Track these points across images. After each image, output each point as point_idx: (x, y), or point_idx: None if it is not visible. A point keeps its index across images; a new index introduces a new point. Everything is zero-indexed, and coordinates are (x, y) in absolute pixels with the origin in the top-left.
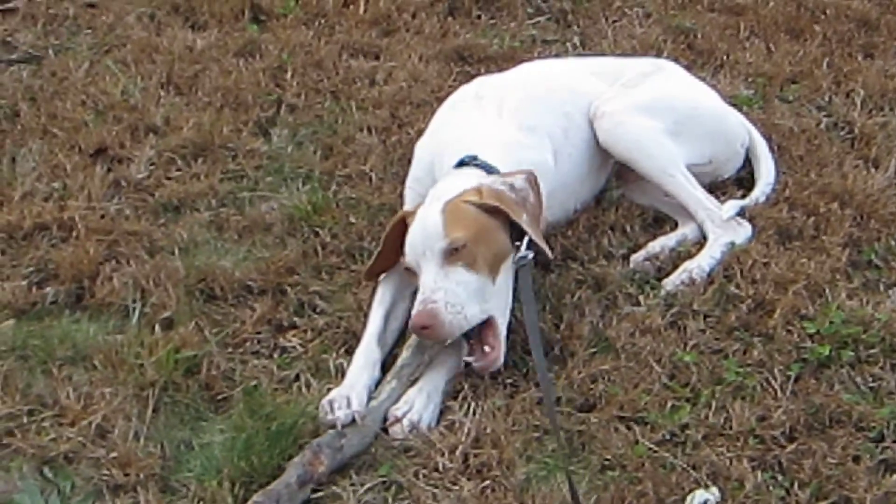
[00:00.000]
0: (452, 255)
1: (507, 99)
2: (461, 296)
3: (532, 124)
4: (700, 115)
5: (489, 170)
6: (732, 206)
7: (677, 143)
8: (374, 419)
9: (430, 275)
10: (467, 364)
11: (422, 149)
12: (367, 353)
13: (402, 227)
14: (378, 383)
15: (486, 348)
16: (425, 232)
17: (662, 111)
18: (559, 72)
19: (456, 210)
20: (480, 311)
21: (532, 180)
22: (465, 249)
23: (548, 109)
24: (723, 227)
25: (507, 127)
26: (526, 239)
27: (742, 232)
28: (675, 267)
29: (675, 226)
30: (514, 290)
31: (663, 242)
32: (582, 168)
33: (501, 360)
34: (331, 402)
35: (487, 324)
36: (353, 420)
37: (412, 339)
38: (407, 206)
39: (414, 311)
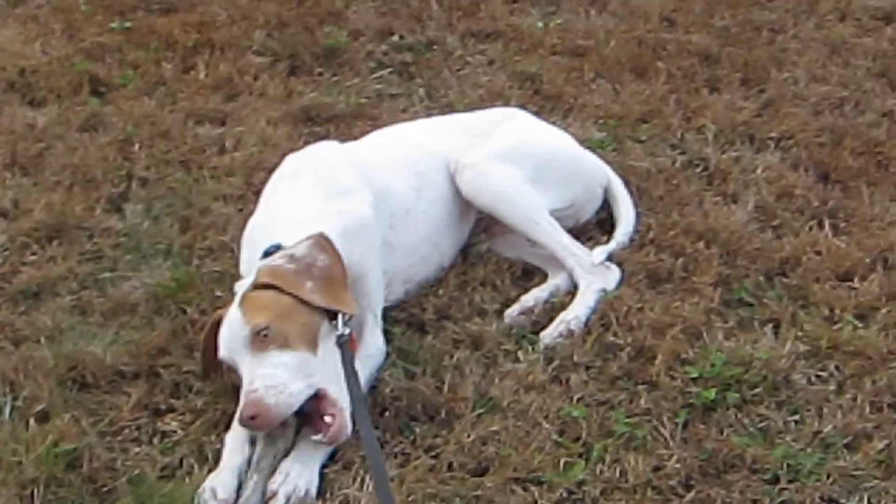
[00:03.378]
0: (260, 340)
1: (321, 170)
2: (280, 376)
3: (345, 187)
4: (558, 158)
5: None
6: (601, 251)
7: (539, 190)
8: None
9: (246, 366)
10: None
11: (249, 227)
12: (236, 434)
13: (219, 327)
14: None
15: (327, 419)
16: (230, 329)
17: (521, 158)
18: (409, 133)
19: (250, 299)
20: (306, 385)
21: (320, 242)
22: (271, 331)
23: (396, 170)
24: (592, 272)
25: (315, 201)
26: (340, 313)
27: (612, 277)
28: (551, 319)
29: (544, 277)
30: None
31: (536, 295)
32: (441, 223)
33: (349, 426)
34: (201, 494)
35: (320, 397)
36: None
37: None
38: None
39: (239, 407)
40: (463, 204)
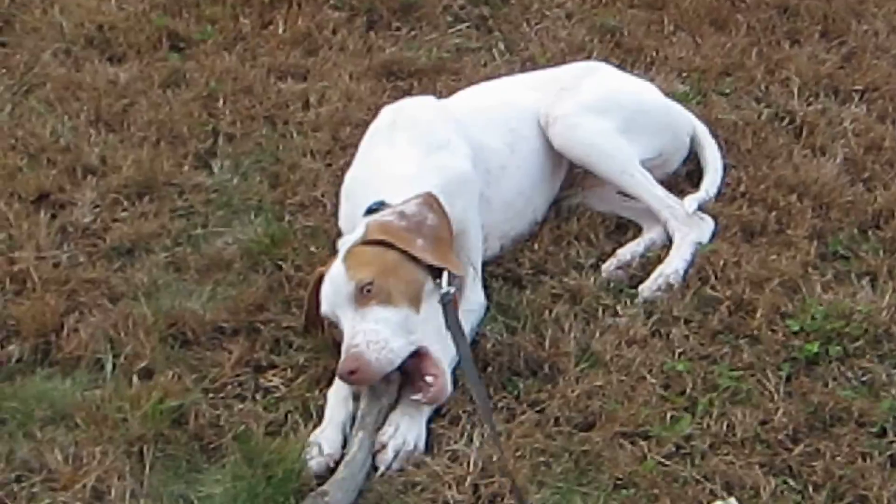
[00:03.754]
0: (363, 296)
1: (418, 125)
2: (382, 332)
3: (442, 141)
4: (646, 108)
5: None
6: (694, 199)
7: (629, 141)
8: (351, 473)
9: (348, 321)
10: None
11: (347, 182)
12: (338, 390)
13: (322, 283)
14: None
15: (429, 379)
16: (333, 284)
17: (610, 110)
18: (497, 90)
19: (355, 254)
20: (408, 342)
21: (429, 201)
22: (374, 286)
23: (490, 126)
24: (687, 223)
25: (415, 156)
26: (445, 271)
27: (706, 228)
28: (648, 273)
29: (638, 231)
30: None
31: (633, 249)
32: (534, 178)
33: (449, 387)
34: (307, 448)
35: (422, 356)
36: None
37: (366, 388)
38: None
39: (340, 361)
40: (555, 158)
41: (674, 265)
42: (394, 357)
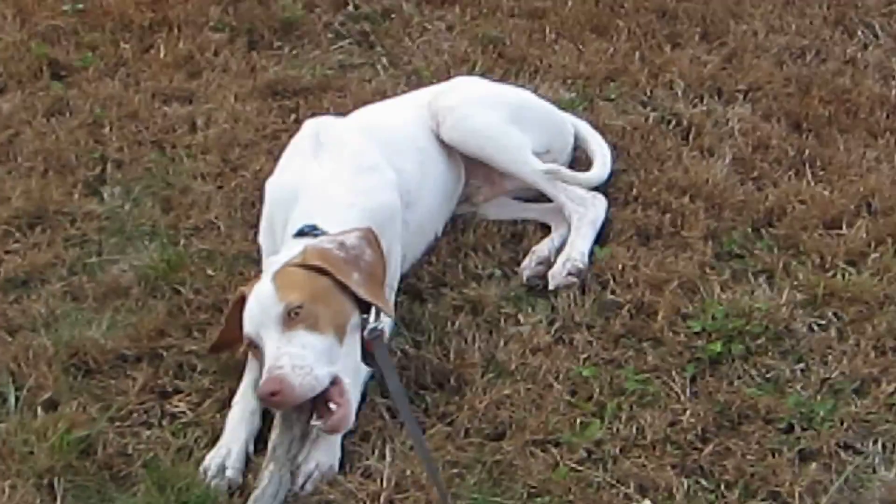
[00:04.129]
0: (291, 318)
1: (347, 146)
2: (308, 358)
3: (372, 164)
4: (529, 105)
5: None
6: (591, 174)
7: (521, 131)
8: None
9: (273, 342)
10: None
11: (273, 188)
12: (244, 404)
13: (243, 303)
14: (258, 434)
15: (332, 406)
16: (260, 302)
17: (498, 103)
18: (390, 109)
19: (286, 275)
20: (329, 372)
21: (369, 237)
22: (303, 311)
23: (403, 149)
24: (583, 204)
25: (345, 180)
26: (374, 308)
27: (600, 206)
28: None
29: (533, 239)
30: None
31: (548, 245)
32: (441, 196)
33: (351, 417)
34: (205, 470)
35: (333, 384)
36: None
37: (277, 418)
38: (263, 252)
39: (261, 381)
40: (454, 172)
41: (578, 248)
42: (316, 384)
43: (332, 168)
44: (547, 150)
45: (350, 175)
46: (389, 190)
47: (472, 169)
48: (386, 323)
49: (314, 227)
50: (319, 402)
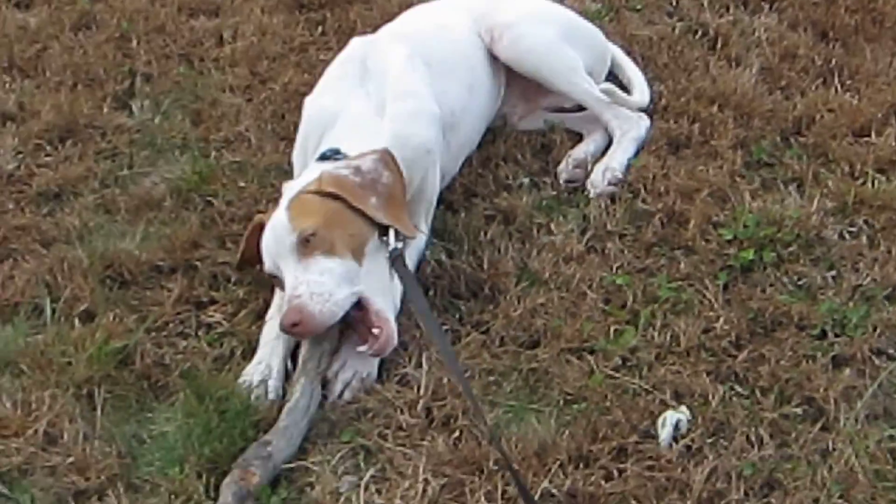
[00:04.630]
0: (306, 246)
1: (391, 71)
2: (326, 284)
3: (412, 90)
4: (577, 24)
5: None
6: (636, 98)
7: (573, 51)
8: (294, 420)
9: (290, 272)
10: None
11: (311, 108)
12: (273, 328)
13: (261, 230)
14: (296, 348)
15: (375, 331)
16: (274, 233)
17: (551, 21)
18: (451, 19)
19: (299, 202)
20: (350, 293)
21: (385, 158)
22: (318, 237)
23: (454, 67)
24: (627, 121)
25: (384, 108)
26: (392, 229)
27: (643, 125)
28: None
29: (564, 148)
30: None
31: (584, 149)
32: (484, 116)
33: (394, 337)
34: (248, 384)
35: (365, 308)
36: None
37: None
38: (295, 171)
39: (282, 313)
40: (496, 90)
41: (617, 158)
42: (337, 309)
43: (379, 99)
44: (590, 71)
45: (389, 102)
46: (427, 123)
47: (510, 82)
48: (421, 238)
49: (337, 151)
50: (361, 329)
